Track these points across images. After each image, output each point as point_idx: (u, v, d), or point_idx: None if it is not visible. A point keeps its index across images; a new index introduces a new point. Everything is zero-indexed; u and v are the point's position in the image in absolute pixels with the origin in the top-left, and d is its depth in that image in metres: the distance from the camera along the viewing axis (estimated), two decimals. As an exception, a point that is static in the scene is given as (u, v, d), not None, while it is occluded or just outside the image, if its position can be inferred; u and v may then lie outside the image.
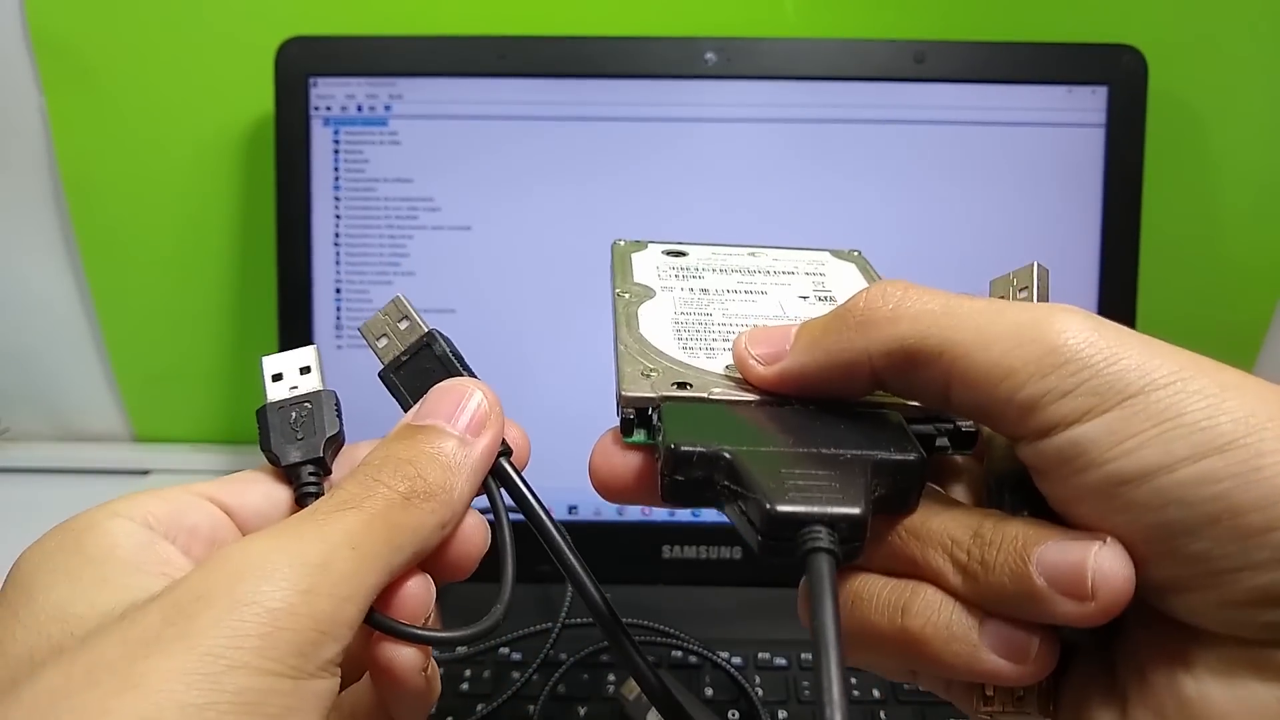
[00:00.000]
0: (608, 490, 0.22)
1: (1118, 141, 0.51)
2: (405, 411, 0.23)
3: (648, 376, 0.22)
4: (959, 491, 0.21)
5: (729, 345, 0.23)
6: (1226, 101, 0.57)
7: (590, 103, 0.52)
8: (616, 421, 0.22)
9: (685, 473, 0.19)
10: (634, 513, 0.52)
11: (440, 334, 0.25)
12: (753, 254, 0.29)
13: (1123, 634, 0.19)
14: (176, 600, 0.17)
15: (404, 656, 0.21)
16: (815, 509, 0.18)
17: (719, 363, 0.23)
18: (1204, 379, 0.17)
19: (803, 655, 0.46)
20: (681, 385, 0.21)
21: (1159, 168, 0.54)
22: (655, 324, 0.25)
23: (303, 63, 0.52)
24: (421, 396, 0.23)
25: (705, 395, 0.21)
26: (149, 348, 0.65)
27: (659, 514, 0.52)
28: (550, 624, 0.45)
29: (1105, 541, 0.17)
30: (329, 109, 0.52)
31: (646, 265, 0.28)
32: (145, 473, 0.66)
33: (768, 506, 0.18)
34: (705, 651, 0.45)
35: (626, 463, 0.22)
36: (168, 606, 0.17)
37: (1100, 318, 0.18)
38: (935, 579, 0.19)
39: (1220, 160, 0.58)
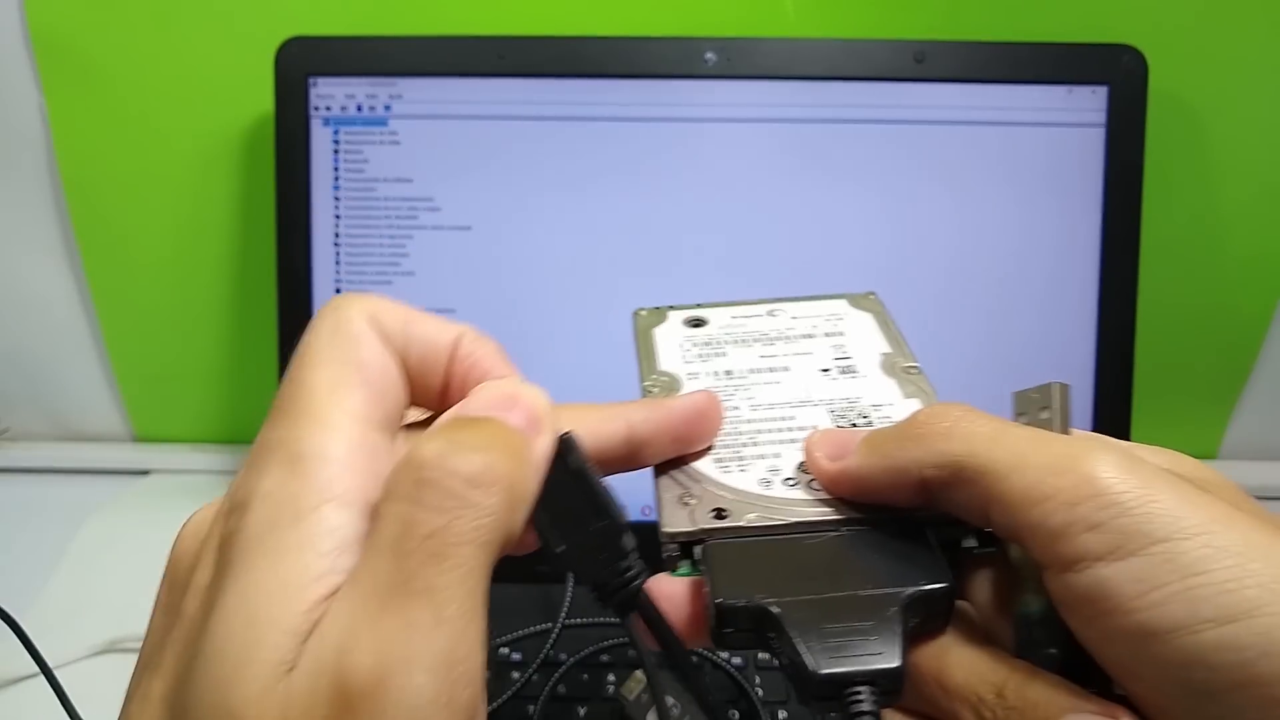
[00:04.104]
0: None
1: (1118, 141, 0.51)
2: None
3: (686, 505, 0.23)
4: (987, 591, 0.22)
5: (759, 451, 0.24)
6: (1226, 101, 0.57)
7: (590, 103, 0.52)
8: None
9: (733, 624, 0.20)
10: (636, 513, 0.52)
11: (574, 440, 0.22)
12: (771, 313, 0.30)
13: None
14: None
15: None
16: (856, 668, 0.19)
17: (752, 477, 0.23)
18: (1232, 534, 0.17)
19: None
20: (720, 513, 0.22)
21: (1159, 168, 0.54)
22: None
23: (303, 63, 0.52)
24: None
25: (742, 524, 0.22)
26: (149, 348, 0.65)
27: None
28: (550, 624, 0.45)
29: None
30: (329, 109, 0.52)
31: (669, 342, 0.29)
32: (145, 473, 0.66)
33: (811, 670, 0.19)
34: (705, 651, 0.45)
35: (677, 590, 0.22)
36: None
37: (1137, 457, 0.19)
38: None
39: (1220, 160, 0.58)
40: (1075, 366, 0.52)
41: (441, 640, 0.16)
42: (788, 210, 0.52)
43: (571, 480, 0.20)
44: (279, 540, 0.17)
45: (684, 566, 0.22)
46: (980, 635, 0.21)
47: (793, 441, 0.24)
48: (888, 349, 0.28)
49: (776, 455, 0.24)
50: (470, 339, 0.22)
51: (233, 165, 0.60)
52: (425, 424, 0.22)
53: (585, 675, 0.45)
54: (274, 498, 0.18)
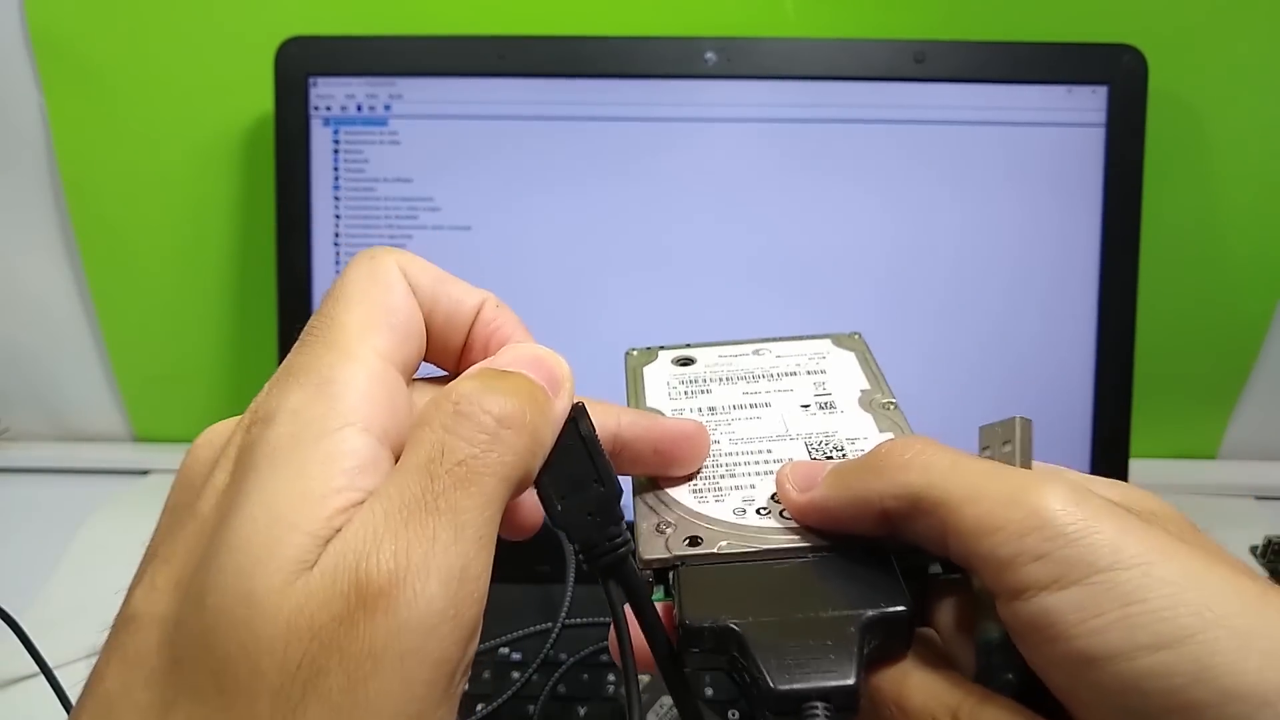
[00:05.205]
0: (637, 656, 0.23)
1: (1118, 141, 0.51)
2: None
3: (662, 533, 0.24)
4: (950, 618, 0.23)
5: (735, 482, 0.25)
6: (1226, 101, 0.57)
7: (590, 103, 0.52)
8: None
9: (699, 644, 0.21)
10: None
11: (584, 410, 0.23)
12: (757, 352, 0.31)
13: None
14: (346, 661, 0.16)
15: None
16: (812, 685, 0.20)
17: (727, 507, 0.25)
18: (1171, 565, 0.18)
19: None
20: (693, 541, 0.23)
21: (1159, 167, 0.54)
22: None
23: (302, 63, 0.52)
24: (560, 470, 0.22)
25: (714, 551, 0.23)
26: (149, 347, 0.65)
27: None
28: (550, 624, 0.45)
29: None
30: (329, 109, 0.52)
31: (657, 381, 0.30)
32: (145, 473, 0.66)
33: (770, 686, 0.20)
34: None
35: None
36: (342, 668, 0.16)
37: (1086, 489, 0.19)
38: None
39: (1220, 160, 0.58)
40: (1075, 366, 0.52)
41: (457, 557, 0.17)
42: (787, 210, 0.52)
43: (578, 446, 0.22)
44: (303, 453, 0.18)
45: (658, 592, 0.23)
46: (941, 660, 0.22)
47: (769, 473, 0.25)
48: (867, 386, 0.29)
49: (752, 486, 0.25)
50: (493, 305, 0.23)
51: (233, 165, 0.60)
52: (438, 381, 0.23)
53: (585, 675, 0.45)
54: (300, 415, 0.19)
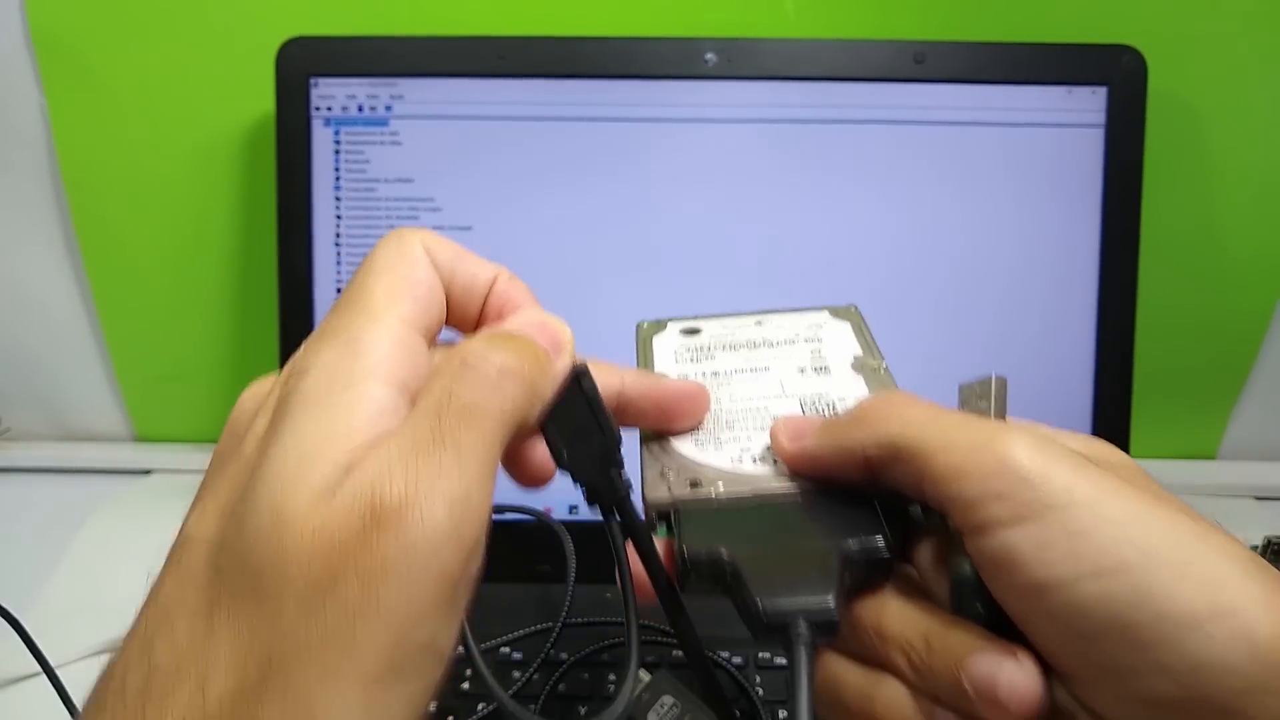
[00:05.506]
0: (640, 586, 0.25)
1: (1117, 142, 0.51)
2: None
3: (664, 478, 0.26)
4: (928, 556, 0.25)
5: (734, 434, 0.27)
6: (1226, 101, 0.57)
7: (590, 103, 0.52)
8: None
9: (696, 570, 0.24)
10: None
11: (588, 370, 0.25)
12: (759, 323, 0.33)
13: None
14: (361, 570, 0.19)
15: None
16: (796, 606, 0.22)
17: (725, 455, 0.27)
18: (1117, 504, 0.20)
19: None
20: (694, 484, 0.26)
21: (1159, 168, 0.54)
22: None
23: (303, 63, 0.52)
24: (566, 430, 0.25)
25: (712, 494, 0.25)
26: (150, 348, 0.65)
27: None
28: (551, 624, 0.45)
29: (1019, 659, 0.21)
30: (330, 109, 0.52)
31: (666, 349, 0.32)
32: (146, 472, 0.66)
33: (759, 604, 0.22)
34: (706, 651, 0.45)
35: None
36: (358, 577, 0.19)
37: (1050, 439, 0.21)
38: (896, 672, 0.23)
39: (1220, 160, 0.58)
40: (1075, 366, 0.52)
41: (460, 485, 0.20)
42: (787, 210, 0.52)
43: (581, 400, 0.24)
44: (331, 400, 0.21)
45: (661, 529, 0.25)
46: (918, 593, 0.24)
47: (765, 428, 0.27)
48: (860, 352, 0.31)
49: (749, 438, 0.27)
50: (506, 278, 0.26)
51: (234, 165, 0.60)
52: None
53: (586, 674, 0.45)
54: (330, 369, 0.21)
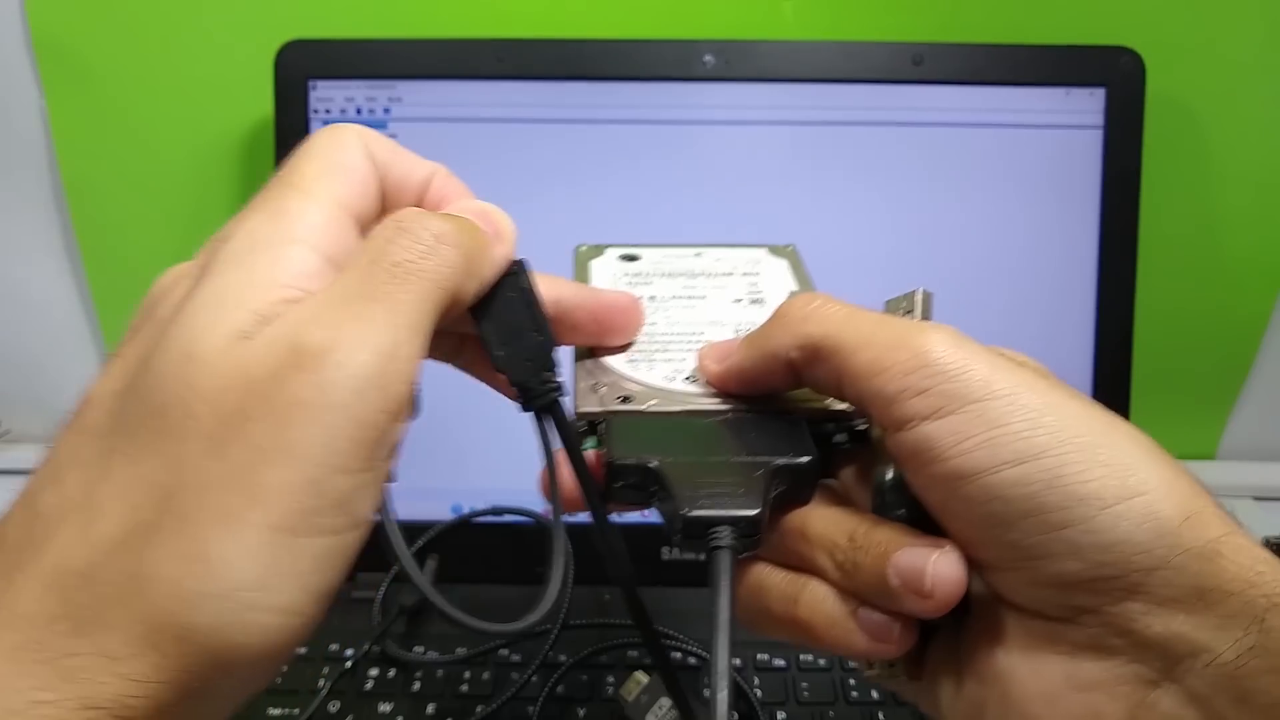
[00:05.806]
0: (566, 496, 0.25)
1: (1116, 143, 0.51)
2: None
3: (596, 391, 0.26)
4: (852, 474, 0.25)
5: (667, 355, 0.28)
6: (1225, 102, 0.57)
7: (589, 105, 0.52)
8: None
9: (623, 479, 0.24)
10: (633, 515, 0.53)
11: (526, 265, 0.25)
12: (698, 254, 0.33)
13: (969, 615, 0.23)
14: (275, 408, 0.18)
15: None
16: (720, 512, 0.22)
17: (658, 373, 0.27)
18: (1032, 396, 0.21)
19: (801, 656, 0.46)
20: (625, 399, 0.26)
21: (1157, 169, 0.54)
22: None
23: (302, 66, 0.52)
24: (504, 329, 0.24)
25: (643, 409, 0.25)
26: (149, 349, 0.65)
27: (657, 516, 0.52)
28: (549, 625, 0.45)
29: (943, 549, 0.21)
30: (329, 112, 0.52)
31: (603, 273, 0.32)
32: (146, 474, 0.66)
33: (682, 511, 0.22)
34: (705, 653, 0.45)
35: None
36: (271, 416, 0.18)
37: (965, 337, 0.22)
38: (820, 574, 0.23)
39: (1219, 161, 0.58)
40: (1074, 367, 0.52)
41: (389, 335, 0.19)
42: (786, 212, 0.52)
43: (518, 298, 0.24)
44: (253, 258, 0.20)
45: (590, 441, 0.25)
46: (842, 501, 0.25)
47: (698, 350, 0.27)
48: (795, 288, 0.31)
49: (683, 359, 0.27)
50: (444, 175, 0.26)
51: (233, 168, 0.60)
52: None
53: (584, 676, 0.45)
54: (254, 233, 0.21)
